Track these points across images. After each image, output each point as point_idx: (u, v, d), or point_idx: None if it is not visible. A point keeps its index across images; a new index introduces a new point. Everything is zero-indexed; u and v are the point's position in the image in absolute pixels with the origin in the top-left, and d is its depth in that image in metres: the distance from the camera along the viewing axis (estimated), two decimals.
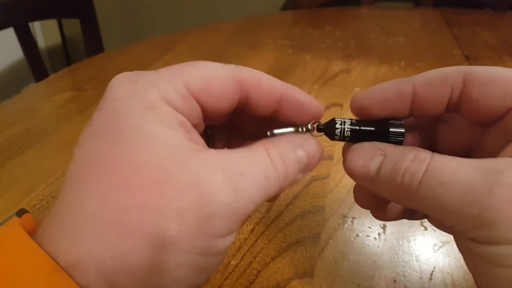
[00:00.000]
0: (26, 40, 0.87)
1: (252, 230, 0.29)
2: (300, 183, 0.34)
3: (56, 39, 1.56)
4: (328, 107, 0.47)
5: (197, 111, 0.17)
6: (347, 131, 0.19)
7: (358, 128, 0.19)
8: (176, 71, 0.17)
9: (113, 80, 0.17)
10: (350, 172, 0.18)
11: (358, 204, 0.21)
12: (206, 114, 0.18)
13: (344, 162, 0.19)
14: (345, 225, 0.30)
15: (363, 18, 0.94)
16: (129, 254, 0.14)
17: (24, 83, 1.26)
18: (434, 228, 0.29)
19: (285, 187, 0.17)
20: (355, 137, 0.19)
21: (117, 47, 0.73)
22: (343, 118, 0.19)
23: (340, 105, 0.48)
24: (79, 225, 0.14)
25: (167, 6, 1.51)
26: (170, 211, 0.14)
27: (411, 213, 0.21)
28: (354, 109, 0.19)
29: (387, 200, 0.20)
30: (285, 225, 0.30)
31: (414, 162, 0.16)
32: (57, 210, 0.15)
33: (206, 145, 0.18)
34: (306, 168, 0.18)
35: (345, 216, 0.31)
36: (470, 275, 0.25)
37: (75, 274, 0.14)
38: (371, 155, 0.17)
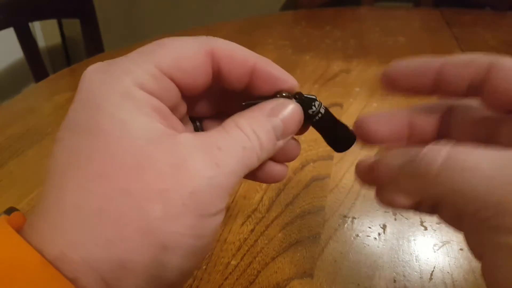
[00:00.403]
0: (26, 40, 0.87)
1: (252, 230, 0.29)
2: (300, 183, 0.34)
3: (56, 39, 1.57)
4: (328, 107, 0.47)
5: (174, 91, 0.17)
6: (320, 112, 0.20)
7: (330, 114, 0.20)
8: (146, 54, 0.17)
9: (85, 72, 0.17)
10: (378, 174, 0.18)
11: (359, 179, 0.20)
12: (184, 92, 0.18)
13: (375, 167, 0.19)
14: (345, 225, 0.30)
15: (363, 18, 0.94)
16: (114, 241, 0.14)
17: (24, 83, 1.26)
18: (434, 228, 0.29)
19: (265, 157, 0.18)
20: (323, 120, 0.20)
21: (117, 47, 0.73)
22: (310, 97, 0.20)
23: (340, 105, 0.48)
24: (61, 216, 0.14)
25: (167, 6, 1.51)
26: (153, 193, 0.14)
27: (418, 204, 0.21)
28: (384, 80, 0.20)
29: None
30: (285, 225, 0.30)
31: (434, 148, 0.16)
32: (41, 205, 0.15)
33: (185, 128, 0.18)
34: (285, 134, 0.18)
35: (345, 216, 0.31)
36: (470, 275, 0.26)
37: (62, 266, 0.14)
38: (397, 157, 0.18)
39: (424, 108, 0.21)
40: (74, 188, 0.15)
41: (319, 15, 0.94)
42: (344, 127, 0.21)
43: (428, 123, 0.20)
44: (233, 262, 0.27)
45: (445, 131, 0.20)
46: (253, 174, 0.19)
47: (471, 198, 0.15)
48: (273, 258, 0.27)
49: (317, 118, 0.19)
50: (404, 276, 0.26)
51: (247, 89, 0.19)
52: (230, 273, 0.26)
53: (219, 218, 0.16)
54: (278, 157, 0.20)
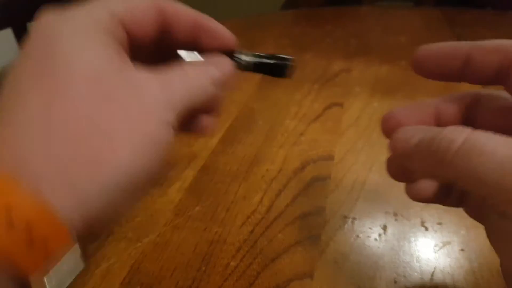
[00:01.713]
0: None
1: (251, 231, 0.29)
2: (301, 184, 0.34)
3: None
4: (328, 107, 0.47)
5: (123, 38, 0.19)
6: (245, 60, 0.24)
7: (258, 56, 0.24)
8: (101, 1, 0.18)
9: (39, 15, 0.18)
10: (393, 149, 0.19)
11: (391, 176, 0.22)
12: (132, 42, 0.19)
13: (389, 143, 0.20)
14: (346, 226, 0.30)
15: (363, 18, 0.94)
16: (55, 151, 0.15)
17: None
18: (435, 228, 0.29)
19: (204, 98, 0.20)
20: (254, 65, 0.24)
21: None
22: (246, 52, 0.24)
23: (340, 104, 0.48)
24: (15, 132, 0.15)
25: None
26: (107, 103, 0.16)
27: (445, 195, 0.21)
28: (414, 63, 0.20)
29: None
30: (285, 225, 0.30)
31: (453, 132, 0.16)
32: None
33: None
34: (221, 82, 0.21)
35: (345, 217, 0.31)
36: (471, 275, 0.25)
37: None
38: (414, 133, 0.18)
39: (450, 98, 0.21)
40: (25, 108, 0.15)
41: (320, 15, 0.93)
42: (276, 57, 0.25)
43: (454, 113, 0.21)
44: (233, 263, 0.27)
45: (471, 121, 0.20)
46: (186, 125, 0.22)
47: (484, 182, 0.15)
48: (273, 259, 0.27)
49: (245, 66, 0.24)
50: (404, 276, 0.26)
51: (193, 43, 0.22)
52: (230, 274, 0.26)
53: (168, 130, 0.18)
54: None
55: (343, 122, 0.44)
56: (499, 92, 0.20)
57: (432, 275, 0.26)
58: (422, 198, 0.21)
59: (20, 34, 0.85)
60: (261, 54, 0.25)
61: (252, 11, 1.38)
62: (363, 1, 1.17)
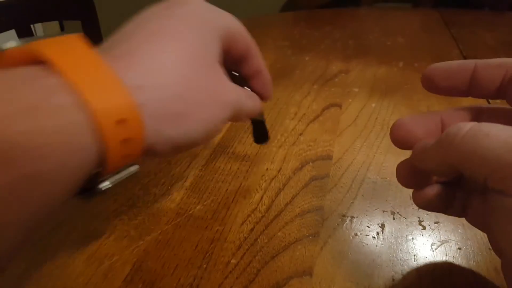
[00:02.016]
0: (28, 42, 0.87)
1: (252, 229, 0.30)
2: (300, 183, 0.34)
3: None
4: (327, 107, 0.48)
5: (221, 48, 0.24)
6: (262, 115, 0.33)
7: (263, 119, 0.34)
8: (228, 14, 0.24)
9: None
10: (414, 153, 0.21)
11: (400, 182, 0.23)
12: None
13: (412, 151, 0.22)
14: (344, 224, 0.30)
15: (362, 19, 0.94)
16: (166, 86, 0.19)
17: None
18: (433, 227, 0.30)
19: (235, 118, 0.25)
20: (259, 121, 0.34)
21: None
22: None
23: (339, 105, 0.48)
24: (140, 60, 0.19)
25: None
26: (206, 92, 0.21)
27: (449, 202, 0.22)
28: (424, 81, 0.22)
29: (425, 179, 0.22)
30: (285, 224, 0.30)
31: (461, 123, 0.18)
32: (121, 49, 0.20)
33: None
34: (250, 113, 0.27)
35: (344, 215, 0.31)
36: (468, 274, 0.26)
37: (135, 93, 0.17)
38: (431, 141, 0.20)
39: (455, 110, 0.22)
40: (154, 48, 0.19)
41: (319, 16, 0.94)
42: (266, 128, 0.34)
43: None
44: (233, 261, 0.27)
45: None
46: None
47: (489, 160, 0.16)
48: (272, 257, 0.27)
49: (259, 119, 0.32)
50: (402, 275, 0.26)
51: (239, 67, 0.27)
52: (230, 271, 0.26)
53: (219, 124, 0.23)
54: None
55: (342, 123, 0.44)
56: (501, 106, 0.21)
57: (429, 273, 0.26)
58: (428, 204, 0.22)
59: (24, 35, 0.85)
60: (264, 119, 0.33)
61: (252, 12, 1.38)
62: (361, 2, 1.18)
